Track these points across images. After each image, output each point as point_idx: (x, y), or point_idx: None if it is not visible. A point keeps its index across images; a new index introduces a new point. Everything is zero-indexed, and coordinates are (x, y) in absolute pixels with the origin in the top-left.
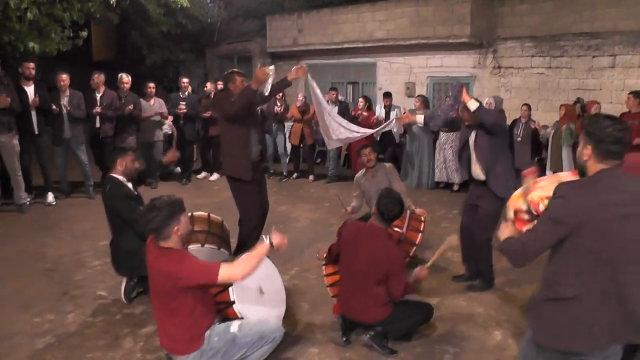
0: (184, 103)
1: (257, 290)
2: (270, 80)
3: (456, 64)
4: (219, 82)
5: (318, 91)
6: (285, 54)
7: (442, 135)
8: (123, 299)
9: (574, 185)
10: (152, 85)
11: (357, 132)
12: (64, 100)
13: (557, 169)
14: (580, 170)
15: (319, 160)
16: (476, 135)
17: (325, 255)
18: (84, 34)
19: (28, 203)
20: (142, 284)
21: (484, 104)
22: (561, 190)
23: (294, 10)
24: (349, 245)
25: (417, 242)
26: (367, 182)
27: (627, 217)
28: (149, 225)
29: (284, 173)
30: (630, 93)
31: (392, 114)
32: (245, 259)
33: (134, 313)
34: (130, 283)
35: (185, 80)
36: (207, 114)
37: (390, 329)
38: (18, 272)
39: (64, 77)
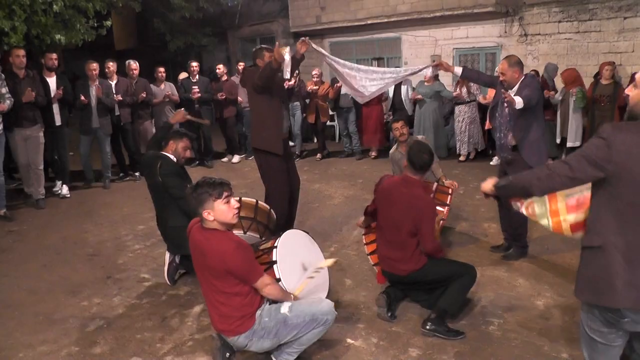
0: (196, 87)
1: (301, 270)
2: (287, 62)
3: (482, 34)
4: (240, 64)
5: (327, 54)
6: (309, 33)
7: (457, 108)
8: (167, 280)
9: (619, 129)
10: (161, 70)
11: (386, 74)
12: (93, 90)
13: (565, 134)
14: (632, 116)
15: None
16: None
17: (363, 221)
18: (108, 23)
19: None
20: (184, 265)
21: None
22: (605, 131)
23: None
24: (385, 198)
25: (444, 217)
26: (401, 156)
27: None
28: (188, 207)
29: (297, 152)
30: None
31: (403, 89)
32: (280, 289)
33: (179, 294)
34: (172, 265)
35: (194, 64)
36: (222, 96)
37: (443, 306)
38: (63, 258)
39: (94, 66)
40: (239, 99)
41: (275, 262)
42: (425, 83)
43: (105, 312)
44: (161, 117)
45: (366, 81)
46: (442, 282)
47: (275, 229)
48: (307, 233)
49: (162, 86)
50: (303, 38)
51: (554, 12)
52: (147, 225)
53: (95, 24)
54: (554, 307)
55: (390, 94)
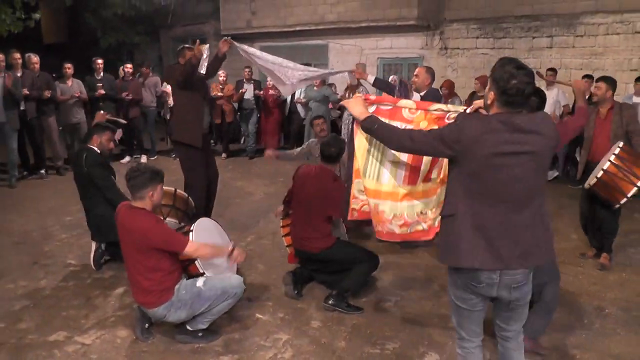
0: (101, 84)
1: None
2: (205, 58)
3: (405, 45)
4: (128, 66)
5: (251, 50)
6: (240, 37)
7: (345, 112)
8: (92, 265)
9: (470, 117)
10: (68, 66)
11: (308, 72)
12: (1, 80)
13: None
14: (486, 109)
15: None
16: None
17: (281, 209)
18: (37, 15)
19: None
20: (109, 252)
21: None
22: (459, 118)
23: None
24: (300, 184)
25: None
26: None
27: (510, 155)
28: (131, 182)
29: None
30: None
31: (297, 93)
32: (209, 246)
33: (104, 277)
34: (98, 251)
35: (99, 61)
36: (129, 97)
37: (345, 285)
38: None
39: None
40: (153, 102)
41: None
42: (315, 87)
43: (31, 293)
44: (68, 115)
45: (289, 71)
46: (348, 263)
47: (193, 217)
48: (216, 222)
49: (70, 83)
50: (225, 38)
51: (472, 29)
52: (74, 216)
53: (23, 16)
54: (447, 287)
55: (288, 98)
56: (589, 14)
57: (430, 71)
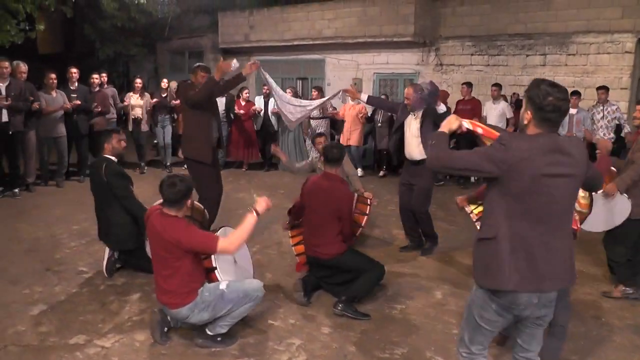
0: (75, 96)
1: (232, 260)
2: (234, 70)
3: (401, 61)
4: (100, 75)
5: (271, 81)
6: (237, 50)
7: (312, 122)
8: (105, 272)
9: (515, 137)
10: (52, 76)
11: (309, 106)
12: None
13: None
14: (521, 129)
15: None
16: (422, 123)
17: (288, 222)
18: (41, 27)
19: None
20: (122, 260)
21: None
22: (504, 138)
23: (245, 7)
24: (310, 193)
25: (362, 224)
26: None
27: (554, 177)
28: (175, 195)
29: (167, 164)
30: (463, 83)
31: (270, 105)
32: (237, 233)
33: (116, 284)
34: (111, 259)
35: (74, 70)
36: (97, 109)
37: (353, 291)
38: None
39: None
40: (113, 113)
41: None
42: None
43: (47, 298)
44: (51, 128)
45: (293, 110)
46: (356, 271)
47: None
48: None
49: (54, 94)
50: (256, 60)
51: (467, 46)
52: (81, 225)
53: (27, 27)
54: (450, 295)
55: (261, 112)
56: (580, 34)
57: (419, 88)
